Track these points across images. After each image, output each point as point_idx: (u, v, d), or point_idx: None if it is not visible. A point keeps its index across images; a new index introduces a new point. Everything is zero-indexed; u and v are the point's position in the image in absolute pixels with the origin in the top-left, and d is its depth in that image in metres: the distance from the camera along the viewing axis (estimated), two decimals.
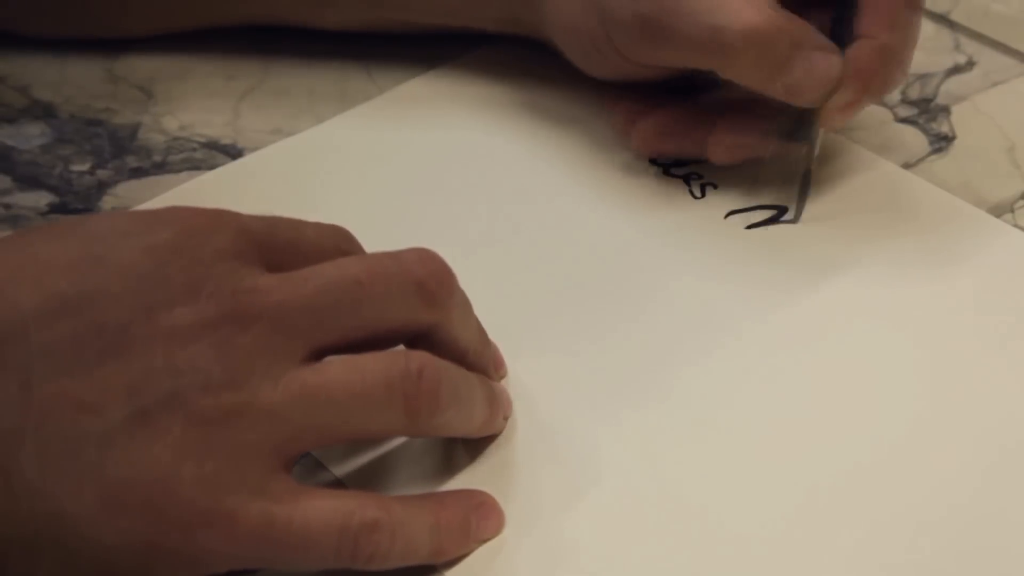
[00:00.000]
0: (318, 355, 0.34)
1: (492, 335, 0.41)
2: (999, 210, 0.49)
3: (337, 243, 0.38)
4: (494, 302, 0.41)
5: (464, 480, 0.39)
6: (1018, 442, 0.40)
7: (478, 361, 0.39)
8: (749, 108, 0.47)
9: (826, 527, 0.38)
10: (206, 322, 0.33)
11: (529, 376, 0.42)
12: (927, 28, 0.59)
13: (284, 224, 0.37)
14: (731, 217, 0.48)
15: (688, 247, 0.47)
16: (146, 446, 0.32)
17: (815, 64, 0.44)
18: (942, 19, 0.59)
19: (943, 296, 0.45)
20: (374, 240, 0.47)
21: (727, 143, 0.47)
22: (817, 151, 0.47)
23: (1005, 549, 0.37)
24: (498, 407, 0.39)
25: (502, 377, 0.41)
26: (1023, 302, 0.45)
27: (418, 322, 0.36)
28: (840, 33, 0.45)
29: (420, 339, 0.37)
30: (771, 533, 0.38)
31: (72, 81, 0.53)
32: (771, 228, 0.48)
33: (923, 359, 0.43)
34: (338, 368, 0.34)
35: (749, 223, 0.48)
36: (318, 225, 0.38)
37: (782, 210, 0.48)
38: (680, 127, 0.48)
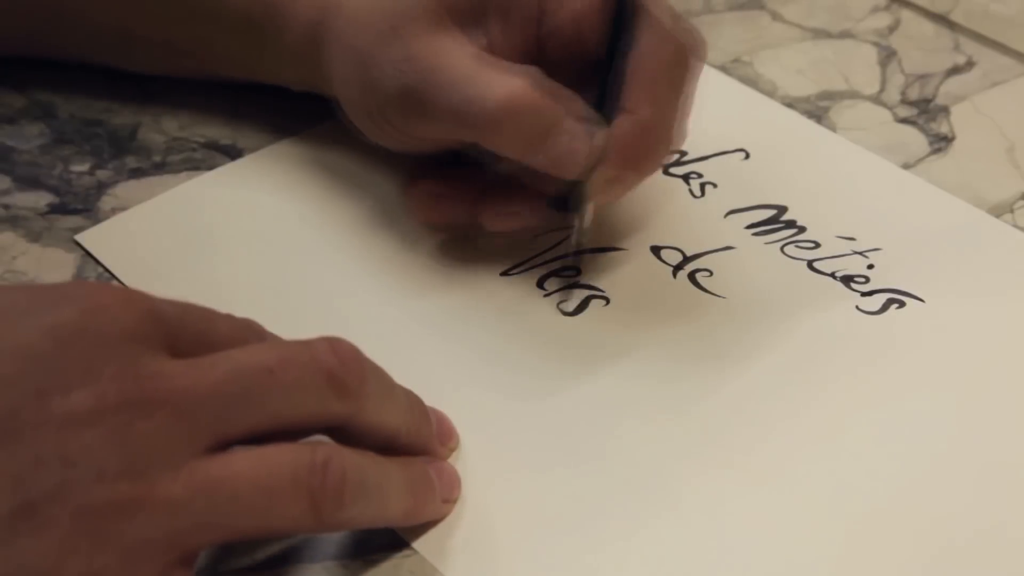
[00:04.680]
0: (223, 445, 0.33)
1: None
2: (999, 210, 0.49)
3: (247, 339, 0.36)
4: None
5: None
6: (1018, 441, 0.40)
7: (415, 440, 0.38)
8: (525, 177, 0.44)
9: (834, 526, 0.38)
10: (105, 407, 0.31)
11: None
12: (927, 28, 0.59)
13: (196, 312, 0.35)
14: (730, 216, 0.48)
15: (689, 247, 0.47)
16: (30, 541, 0.30)
17: (575, 137, 0.42)
18: (942, 19, 0.59)
19: (942, 297, 0.45)
20: (373, 239, 0.47)
21: (497, 210, 0.45)
22: (587, 224, 0.45)
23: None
24: (424, 493, 0.37)
25: (453, 449, 0.40)
26: (1023, 302, 0.45)
27: (330, 414, 0.35)
28: (608, 105, 0.43)
29: (338, 429, 0.35)
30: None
31: (72, 81, 0.53)
32: (771, 229, 0.48)
33: (923, 360, 0.43)
34: (243, 460, 0.33)
35: (748, 223, 0.48)
36: (230, 317, 0.36)
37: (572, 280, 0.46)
38: (455, 193, 0.46)
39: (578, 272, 0.46)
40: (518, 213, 0.45)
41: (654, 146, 0.43)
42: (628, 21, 0.42)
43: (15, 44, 0.53)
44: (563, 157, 0.42)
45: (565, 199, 0.44)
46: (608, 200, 0.45)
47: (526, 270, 0.46)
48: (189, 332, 0.35)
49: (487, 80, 0.42)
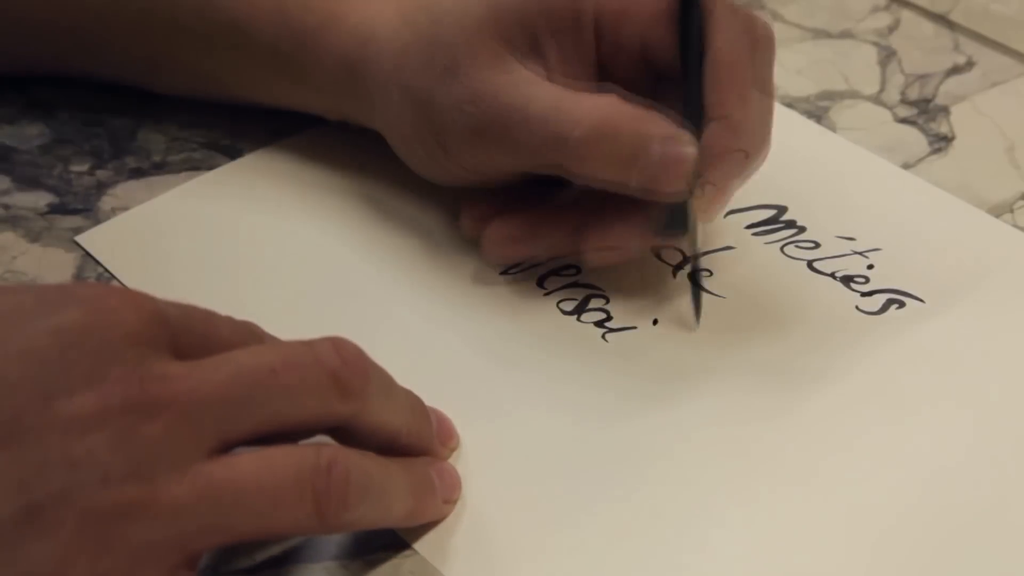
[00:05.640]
0: (227, 447, 0.33)
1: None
2: (999, 210, 0.49)
3: (248, 341, 0.36)
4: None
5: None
6: (1019, 438, 0.40)
7: (416, 441, 0.38)
8: (620, 203, 0.43)
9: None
10: (109, 410, 0.31)
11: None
12: (927, 28, 0.59)
13: (198, 315, 0.35)
14: (730, 216, 0.48)
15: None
16: (36, 544, 0.30)
17: (667, 154, 0.41)
18: (942, 19, 0.59)
19: (942, 297, 0.45)
20: (373, 238, 0.47)
21: (598, 246, 0.43)
22: (700, 245, 0.44)
23: None
24: (426, 495, 0.37)
25: (453, 449, 0.40)
26: (1023, 302, 0.45)
27: (334, 414, 0.35)
28: (694, 115, 0.41)
29: (340, 430, 0.36)
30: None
31: (72, 81, 0.53)
32: (771, 229, 0.48)
33: (923, 360, 0.43)
34: (247, 462, 0.33)
35: (748, 223, 0.48)
36: (231, 320, 0.36)
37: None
38: (536, 230, 0.44)
39: (578, 271, 0.46)
40: (621, 246, 0.44)
41: (754, 148, 0.42)
42: (695, 26, 0.41)
43: (41, 67, 0.52)
44: (660, 175, 0.41)
45: (670, 223, 0.43)
46: (714, 214, 0.43)
47: (526, 269, 0.46)
48: (192, 334, 0.35)
49: (569, 108, 0.41)
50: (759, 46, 0.42)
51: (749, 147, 0.42)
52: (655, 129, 0.41)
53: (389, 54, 0.45)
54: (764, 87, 0.43)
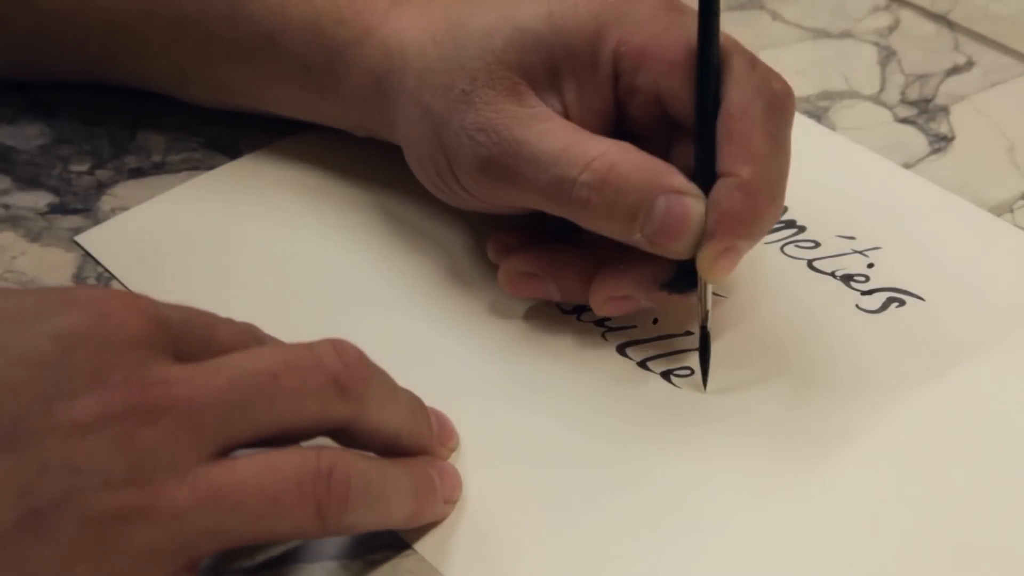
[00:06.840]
0: (228, 451, 0.33)
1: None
2: (999, 210, 0.49)
3: (248, 344, 0.36)
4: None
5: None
6: (1018, 436, 0.40)
7: (416, 442, 0.38)
8: (632, 255, 0.41)
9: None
10: (110, 414, 0.31)
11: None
12: (927, 28, 0.59)
13: (199, 318, 0.36)
14: None
15: None
16: (36, 549, 0.30)
17: (673, 208, 0.39)
18: (941, 19, 0.59)
19: (943, 295, 0.45)
20: (373, 238, 0.47)
21: (607, 293, 0.42)
22: (709, 305, 0.42)
23: None
24: (427, 496, 0.37)
25: (453, 449, 0.40)
26: (1023, 302, 0.45)
27: (335, 417, 0.35)
28: (704, 173, 0.40)
29: (341, 432, 0.36)
30: None
31: (71, 81, 0.53)
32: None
33: (923, 358, 0.43)
34: (248, 467, 0.33)
35: None
36: (231, 322, 0.36)
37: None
38: (553, 269, 0.43)
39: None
40: (630, 298, 0.42)
41: (762, 207, 0.40)
42: (712, 77, 0.40)
43: (73, 74, 0.52)
44: (663, 235, 0.40)
45: (678, 280, 0.41)
46: (723, 275, 0.41)
47: None
48: (193, 337, 0.35)
49: (574, 155, 0.40)
50: (775, 103, 0.41)
51: (759, 207, 0.40)
52: (663, 180, 0.40)
53: (414, 71, 0.44)
54: (779, 145, 0.41)
